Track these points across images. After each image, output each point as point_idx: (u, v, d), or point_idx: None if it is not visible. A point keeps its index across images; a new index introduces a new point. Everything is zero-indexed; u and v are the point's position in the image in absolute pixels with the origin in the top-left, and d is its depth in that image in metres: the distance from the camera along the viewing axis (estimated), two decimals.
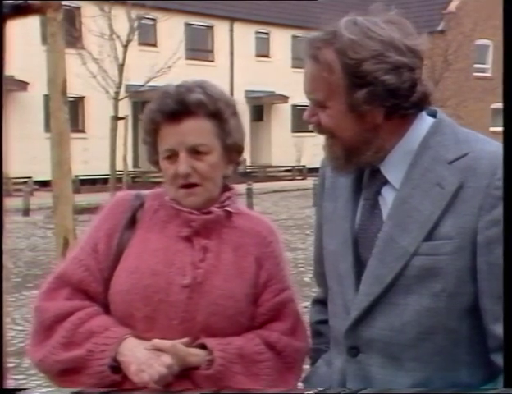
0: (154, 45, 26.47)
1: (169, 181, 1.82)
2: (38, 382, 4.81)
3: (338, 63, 1.54)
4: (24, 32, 17.73)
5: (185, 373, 1.73)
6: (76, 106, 23.87)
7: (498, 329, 1.46)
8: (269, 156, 30.81)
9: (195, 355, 1.74)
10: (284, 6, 29.74)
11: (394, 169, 1.61)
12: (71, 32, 16.85)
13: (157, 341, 1.70)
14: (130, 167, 21.15)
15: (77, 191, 14.66)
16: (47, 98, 4.06)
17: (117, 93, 16.83)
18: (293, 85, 21.74)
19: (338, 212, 1.71)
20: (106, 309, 1.81)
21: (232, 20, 29.37)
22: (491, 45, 31.96)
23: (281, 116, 31.07)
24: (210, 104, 1.79)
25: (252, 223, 1.89)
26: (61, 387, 1.79)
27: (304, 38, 1.63)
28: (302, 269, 8.92)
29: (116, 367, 1.71)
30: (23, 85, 22.16)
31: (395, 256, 1.56)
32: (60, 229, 3.88)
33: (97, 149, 22.54)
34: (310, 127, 1.66)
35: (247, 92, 29.11)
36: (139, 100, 21.48)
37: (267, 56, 31.04)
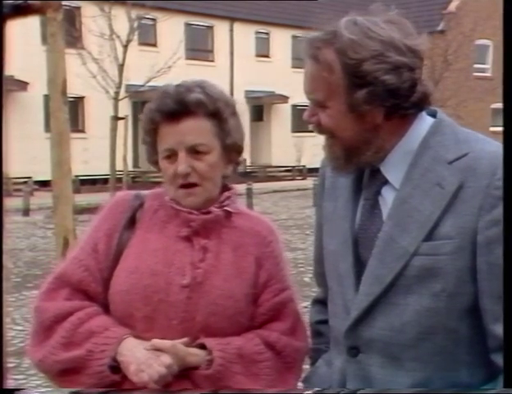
0: (154, 45, 26.47)
1: (168, 181, 1.82)
2: (38, 382, 4.81)
3: (338, 63, 1.54)
4: (24, 32, 17.74)
5: (185, 373, 1.73)
6: (76, 106, 23.87)
7: (498, 329, 1.46)
8: (269, 156, 30.81)
9: (195, 354, 1.74)
10: (284, 6, 29.74)
11: (394, 169, 1.61)
12: (71, 32, 16.85)
13: (156, 341, 1.70)
14: (130, 167, 21.15)
15: (77, 191, 14.65)
16: (47, 98, 4.06)
17: (117, 93, 16.82)
18: (293, 85, 21.77)
19: (338, 212, 1.71)
20: (106, 309, 1.81)
21: (232, 20, 29.37)
22: (491, 45, 31.96)
23: (281, 116, 31.08)
24: (209, 104, 1.79)
25: (251, 223, 1.89)
26: (61, 387, 1.79)
27: (303, 38, 1.62)
28: (302, 269, 8.92)
29: (116, 367, 1.71)
30: (23, 85, 22.16)
31: (395, 256, 1.56)
32: (60, 229, 3.88)
33: (97, 149, 22.54)
34: (310, 127, 1.65)
35: (247, 92, 29.11)
36: (139, 100, 21.47)
37: (267, 56, 31.04)
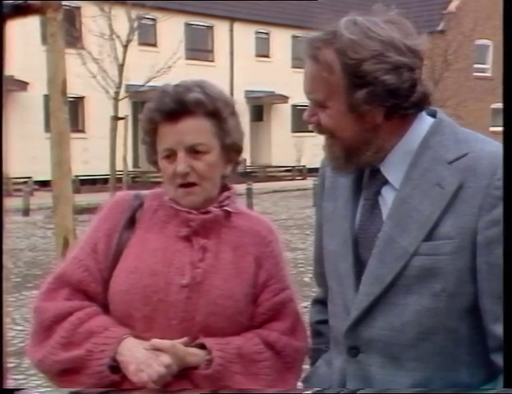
0: (154, 45, 26.47)
1: (168, 181, 1.82)
2: (38, 382, 4.81)
3: (338, 63, 1.54)
4: (24, 32, 17.75)
5: (184, 372, 1.72)
6: (76, 106, 23.87)
7: (498, 329, 1.46)
8: (269, 156, 30.81)
9: (194, 354, 1.74)
10: (284, 6, 29.74)
11: (394, 169, 1.61)
12: (71, 32, 16.85)
13: (156, 341, 1.70)
14: (130, 167, 21.15)
15: (77, 191, 14.66)
16: (47, 98, 4.07)
17: (117, 93, 16.83)
18: (293, 85, 21.77)
19: (338, 212, 1.71)
20: (105, 309, 1.81)
21: (232, 20, 29.38)
22: (491, 45, 31.96)
23: (281, 116, 31.08)
24: (209, 103, 1.79)
25: (251, 223, 1.89)
26: (61, 387, 1.79)
27: (303, 38, 1.62)
28: (302, 269, 8.92)
29: (116, 367, 1.71)
30: (23, 85, 22.17)
31: (395, 256, 1.56)
32: (60, 229, 3.88)
33: (97, 149, 22.55)
34: (310, 127, 1.65)
35: (247, 92, 29.12)
36: (139, 100, 21.48)
37: (267, 56, 31.04)
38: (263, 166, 29.56)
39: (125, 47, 16.84)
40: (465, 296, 1.54)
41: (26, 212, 16.82)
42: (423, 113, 1.63)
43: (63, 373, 1.76)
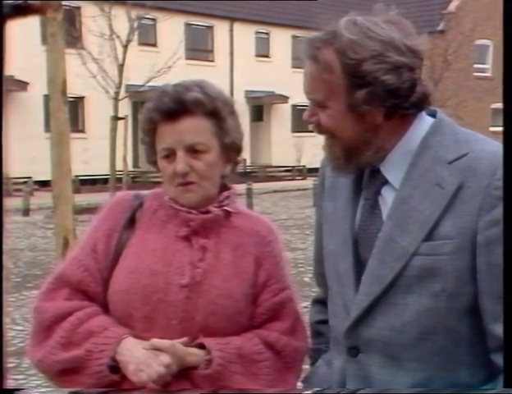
0: (154, 45, 26.47)
1: (167, 180, 1.82)
2: (38, 382, 4.81)
3: (338, 63, 1.54)
4: (24, 32, 17.76)
5: (184, 372, 1.72)
6: (76, 106, 23.88)
7: (498, 329, 1.46)
8: (269, 156, 30.81)
9: (194, 354, 1.74)
10: (284, 6, 29.74)
11: (394, 169, 1.61)
12: (71, 32, 16.87)
13: (155, 341, 1.70)
14: (130, 167, 21.15)
15: (77, 191, 14.66)
16: (47, 98, 4.06)
17: (117, 93, 16.84)
18: (293, 85, 21.78)
19: (338, 212, 1.71)
20: (105, 309, 1.81)
21: (232, 20, 29.38)
22: (491, 45, 31.97)
23: (281, 116, 31.08)
24: (208, 103, 1.79)
25: (251, 223, 1.89)
26: (61, 387, 1.79)
27: (303, 38, 1.62)
28: (302, 269, 8.92)
29: (115, 367, 1.71)
30: (23, 85, 22.17)
31: (395, 256, 1.56)
32: (60, 229, 3.87)
33: (97, 149, 22.55)
34: (310, 127, 1.65)
35: (247, 92, 29.12)
36: (139, 100, 21.46)
37: (267, 56, 31.04)
38: (263, 166, 29.56)
39: (125, 47, 16.85)
40: (465, 296, 1.54)
41: (26, 212, 16.82)
42: (423, 113, 1.63)
43: (63, 373, 1.76)
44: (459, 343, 1.56)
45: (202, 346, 1.75)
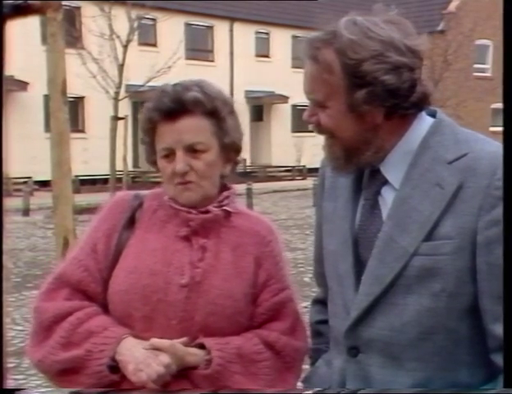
0: (154, 45, 26.47)
1: (167, 180, 1.82)
2: (38, 382, 4.81)
3: (338, 63, 1.54)
4: (24, 32, 17.76)
5: (184, 372, 1.72)
6: (76, 106, 23.88)
7: (498, 329, 1.46)
8: (269, 156, 30.82)
9: (194, 354, 1.73)
10: (284, 6, 29.74)
11: (394, 169, 1.61)
12: (71, 32, 16.87)
13: (155, 341, 1.70)
14: (130, 167, 21.15)
15: (77, 191, 14.67)
16: (47, 98, 4.06)
17: (117, 93, 16.84)
18: (293, 85, 21.76)
19: (338, 212, 1.71)
20: (105, 309, 1.81)
21: (232, 20, 29.38)
22: (491, 45, 31.97)
23: (281, 116, 31.08)
24: (207, 102, 1.79)
25: (251, 223, 1.89)
26: (61, 387, 1.79)
27: (303, 38, 1.62)
28: (302, 269, 8.92)
29: (115, 367, 1.71)
30: (23, 85, 22.17)
31: (395, 256, 1.56)
32: (60, 229, 3.87)
33: (97, 149, 22.55)
34: (310, 127, 1.65)
35: (247, 92, 29.12)
36: (139, 100, 21.44)
37: (267, 56, 31.04)
38: (263, 166, 29.56)
39: (125, 47, 16.85)
40: (465, 296, 1.54)
41: (26, 212, 16.82)
42: (423, 113, 1.62)
43: (63, 373, 1.76)
44: (459, 343, 1.56)
45: (202, 346, 1.75)
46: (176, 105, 1.77)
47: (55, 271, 1.87)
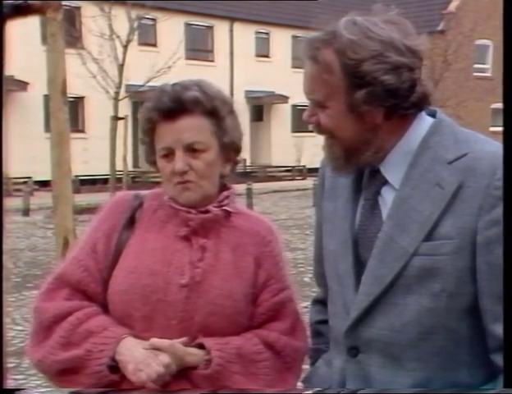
0: (154, 45, 26.47)
1: (166, 180, 1.82)
2: (38, 382, 4.81)
3: (337, 63, 1.54)
4: (24, 32, 17.76)
5: (183, 372, 1.72)
6: (76, 106, 23.88)
7: (498, 329, 1.46)
8: (269, 156, 30.81)
9: (193, 354, 1.73)
10: (284, 6, 29.74)
11: (393, 169, 1.61)
12: (71, 32, 16.86)
13: (155, 340, 1.70)
14: (130, 167, 21.15)
15: (77, 191, 14.67)
16: (47, 98, 4.06)
17: (117, 93, 16.84)
18: (293, 85, 21.76)
19: (338, 212, 1.71)
20: (105, 309, 1.81)
21: (232, 20, 29.38)
22: (491, 45, 31.97)
23: (281, 116, 31.08)
24: (206, 102, 1.79)
25: (251, 223, 1.89)
26: (60, 387, 1.79)
27: (303, 38, 1.62)
28: (302, 269, 8.92)
29: (115, 366, 1.71)
30: (23, 85, 22.17)
31: (395, 256, 1.56)
32: (60, 229, 3.87)
33: (97, 149, 22.55)
34: (310, 127, 1.65)
35: (247, 92, 29.12)
36: (139, 100, 21.40)
37: (267, 56, 31.04)
38: (263, 166, 29.56)
39: (125, 47, 16.85)
40: (465, 296, 1.54)
41: (26, 212, 16.82)
42: (423, 113, 1.62)
43: (62, 373, 1.76)
44: (459, 343, 1.56)
45: (201, 346, 1.75)
46: (175, 105, 1.77)
47: (55, 271, 1.87)
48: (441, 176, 1.54)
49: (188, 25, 28.08)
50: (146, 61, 18.97)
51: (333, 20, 1.58)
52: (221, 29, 29.34)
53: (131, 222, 1.86)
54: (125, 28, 16.99)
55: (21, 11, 3.30)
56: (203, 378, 1.73)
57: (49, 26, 3.73)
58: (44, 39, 4.31)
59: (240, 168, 2.05)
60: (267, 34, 31.13)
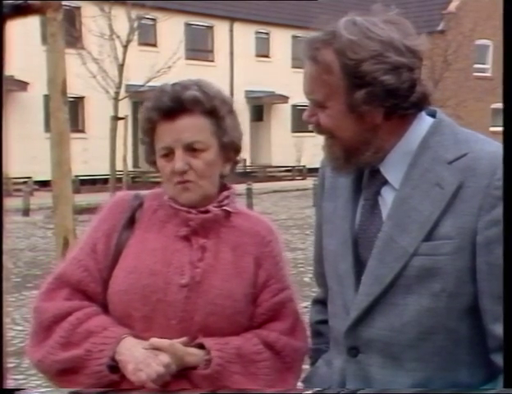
0: (154, 45, 26.47)
1: (166, 180, 1.82)
2: (38, 382, 4.81)
3: (337, 64, 1.54)
4: (24, 32, 17.75)
5: (183, 372, 1.72)
6: (76, 106, 23.87)
7: (498, 329, 1.46)
8: (269, 156, 30.81)
9: (193, 354, 1.73)
10: (284, 6, 29.74)
11: (393, 169, 1.61)
12: (71, 32, 16.86)
13: (154, 340, 1.70)
14: (130, 167, 21.15)
15: (77, 191, 14.68)
16: (47, 98, 4.06)
17: (117, 93, 16.84)
18: (293, 85, 21.79)
19: (338, 212, 1.71)
20: (105, 309, 1.81)
21: (232, 20, 29.38)
22: (491, 45, 31.97)
23: (281, 116, 31.08)
24: (206, 101, 1.79)
25: (251, 223, 1.89)
26: (60, 387, 1.79)
27: (303, 38, 1.62)
28: (302, 269, 8.92)
29: (115, 366, 1.71)
30: (23, 85, 22.17)
31: (395, 256, 1.56)
32: (60, 229, 3.87)
33: (97, 149, 22.55)
34: (310, 127, 1.65)
35: (247, 92, 29.12)
36: (139, 100, 21.40)
37: (267, 56, 31.04)
38: (263, 166, 29.56)
39: (125, 47, 16.86)
40: (465, 296, 1.54)
41: (26, 212, 16.82)
42: (423, 113, 1.62)
43: (62, 373, 1.76)
44: (459, 343, 1.56)
45: (201, 346, 1.75)
46: (175, 104, 1.77)
47: (55, 271, 1.87)
48: (441, 176, 1.54)
49: (188, 25, 28.08)
50: (146, 61, 18.97)
51: (333, 20, 1.58)
52: (221, 29, 29.34)
53: (131, 222, 1.86)
54: (125, 28, 17.00)
55: (21, 11, 3.30)
56: (202, 378, 1.73)
57: (49, 26, 3.73)
58: (44, 39, 4.31)
59: (240, 168, 2.05)
60: (267, 34, 31.13)
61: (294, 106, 28.55)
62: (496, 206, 1.47)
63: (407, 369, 1.58)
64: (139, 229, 1.85)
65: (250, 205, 15.31)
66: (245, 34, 29.80)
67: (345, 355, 1.65)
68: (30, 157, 21.35)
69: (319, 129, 1.63)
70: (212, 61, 29.06)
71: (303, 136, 26.45)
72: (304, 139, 26.67)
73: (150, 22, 24.26)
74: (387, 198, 1.62)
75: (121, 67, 16.83)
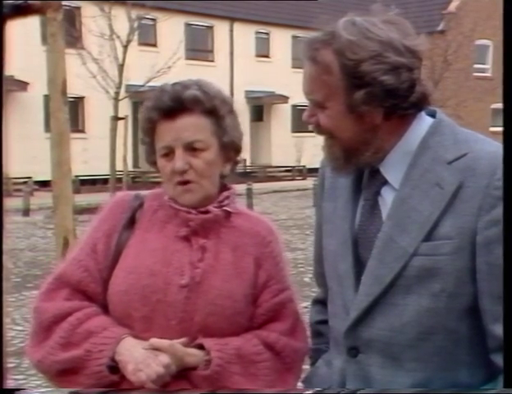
0: (154, 45, 26.47)
1: (166, 179, 1.82)
2: (38, 383, 4.81)
3: (337, 64, 1.54)
4: (24, 32, 17.75)
5: (183, 373, 1.72)
6: (76, 106, 23.87)
7: (498, 329, 1.46)
8: (269, 156, 30.81)
9: (193, 355, 1.73)
10: (284, 6, 29.75)
11: (393, 169, 1.61)
12: (71, 32, 16.86)
13: (154, 341, 1.70)
14: (130, 167, 21.15)
15: (77, 191, 14.67)
16: (47, 98, 4.06)
17: (117, 93, 16.84)
18: (293, 85, 21.74)
19: (338, 212, 1.71)
20: (105, 309, 1.81)
21: (232, 20, 29.38)
22: (491, 45, 31.97)
23: (281, 117, 31.07)
24: (206, 101, 1.79)
25: (251, 223, 1.89)
26: (60, 387, 1.79)
27: (303, 38, 1.62)
28: (302, 269, 8.92)
29: (114, 367, 1.71)
30: (23, 85, 22.16)
31: (395, 256, 1.56)
32: (60, 229, 3.87)
33: (97, 149, 22.55)
34: (310, 127, 1.65)
35: (247, 92, 29.12)
36: (139, 100, 21.38)
37: (267, 56, 31.04)
38: (263, 166, 29.56)
39: (125, 47, 16.86)
40: (465, 296, 1.54)
41: (26, 212, 16.82)
42: (423, 113, 1.62)
43: (62, 374, 1.76)
44: (459, 343, 1.56)
45: (201, 347, 1.75)
46: (175, 104, 1.77)
47: (55, 271, 1.87)
48: (440, 176, 1.54)
49: (188, 25, 28.08)
50: (146, 61, 18.97)
51: (333, 20, 1.58)
52: (221, 29, 29.34)
53: (131, 223, 1.86)
54: (125, 28, 17.00)
55: (21, 11, 3.30)
56: (202, 379, 1.73)
57: (49, 26, 3.73)
58: (44, 39, 4.31)
59: (240, 168, 2.05)
60: (267, 34, 31.13)
61: (294, 106, 28.55)
62: (496, 206, 1.47)
63: (407, 369, 1.58)
64: (140, 229, 1.85)
65: (250, 205, 15.31)
66: (245, 34, 29.80)
67: (344, 355, 1.65)
68: (30, 157, 21.35)
69: (319, 129, 1.63)
70: (212, 61, 29.06)
71: (303, 136, 26.45)
72: (304, 140, 26.66)
73: (150, 22, 24.25)
74: (387, 198, 1.62)
75: (121, 67, 16.83)
